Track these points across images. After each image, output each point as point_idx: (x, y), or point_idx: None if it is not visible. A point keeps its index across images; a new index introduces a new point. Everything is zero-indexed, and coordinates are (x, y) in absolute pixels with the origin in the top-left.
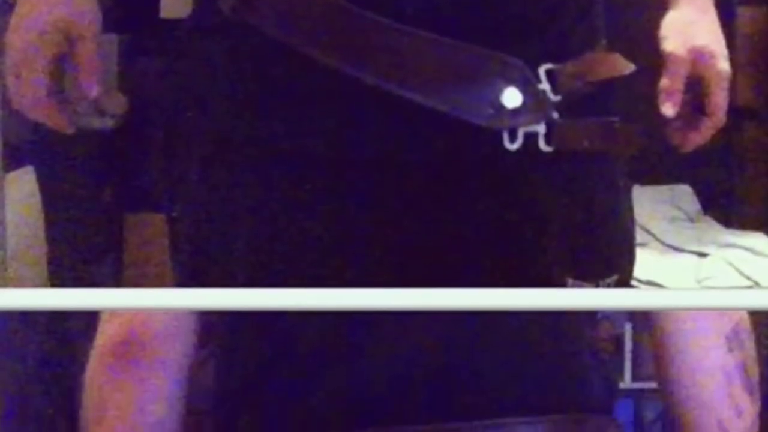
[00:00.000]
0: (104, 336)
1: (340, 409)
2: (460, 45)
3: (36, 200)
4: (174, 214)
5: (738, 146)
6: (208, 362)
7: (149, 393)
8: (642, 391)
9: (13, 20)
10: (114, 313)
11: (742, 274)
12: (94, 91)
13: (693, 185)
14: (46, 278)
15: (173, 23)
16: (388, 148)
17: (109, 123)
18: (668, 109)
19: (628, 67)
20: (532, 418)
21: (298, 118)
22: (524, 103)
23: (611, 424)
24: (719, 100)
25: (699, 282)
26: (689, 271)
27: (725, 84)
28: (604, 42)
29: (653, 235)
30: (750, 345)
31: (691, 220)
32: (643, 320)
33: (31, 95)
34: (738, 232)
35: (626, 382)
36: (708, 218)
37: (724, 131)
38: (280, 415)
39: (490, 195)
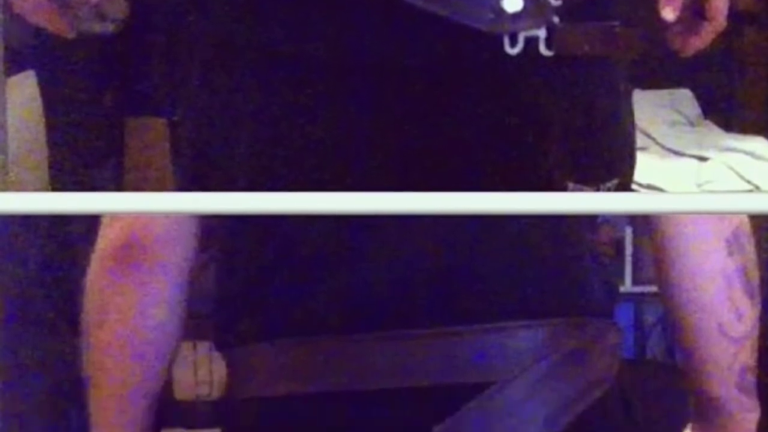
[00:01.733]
0: (105, 240)
1: (340, 314)
2: None
3: (37, 104)
4: (175, 119)
5: (738, 50)
6: (209, 266)
7: (150, 296)
8: (642, 294)
9: None
10: (115, 217)
11: (742, 177)
12: None
13: (693, 89)
14: (47, 182)
15: None
16: (388, 53)
17: (110, 27)
18: (669, 14)
19: None
20: (533, 322)
21: (299, 22)
22: (525, 8)
23: (611, 328)
24: (719, 4)
25: (699, 186)
26: (689, 175)
27: None
28: None
29: (653, 139)
30: (750, 248)
31: (692, 124)
32: (644, 224)
33: None
34: (738, 136)
35: (626, 286)
36: (708, 122)
37: (724, 35)
38: (280, 319)
39: (491, 100)
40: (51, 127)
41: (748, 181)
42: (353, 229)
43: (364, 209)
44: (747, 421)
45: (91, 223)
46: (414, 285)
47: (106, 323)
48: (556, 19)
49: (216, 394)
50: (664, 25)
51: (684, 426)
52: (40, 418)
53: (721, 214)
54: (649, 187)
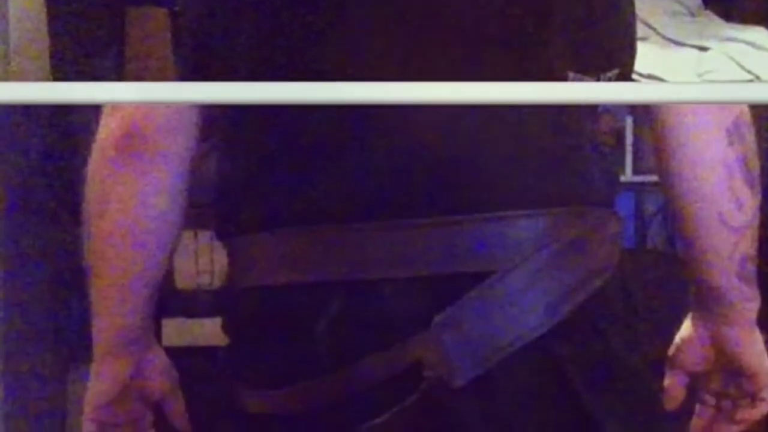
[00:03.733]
0: (106, 129)
1: (340, 203)
2: None
3: None
4: (176, 8)
5: None
6: (210, 156)
7: (151, 186)
8: (643, 184)
9: None
10: (116, 106)
11: (742, 68)
12: None
13: None
14: (48, 72)
15: None
16: None
17: None
18: None
19: None
20: (533, 211)
21: None
22: None
23: (612, 217)
24: None
25: (699, 76)
26: (690, 65)
27: None
28: None
29: (654, 29)
30: (750, 138)
31: (692, 14)
32: (644, 114)
33: None
34: (739, 26)
35: (627, 176)
36: (709, 12)
37: None
38: (281, 208)
39: None
40: (52, 17)
41: (749, 71)
42: (354, 119)
43: (364, 99)
44: (747, 310)
45: (92, 113)
46: (414, 174)
47: (108, 212)
48: None
49: (217, 283)
50: None
51: (684, 315)
52: (42, 307)
53: (721, 104)
54: (650, 77)
